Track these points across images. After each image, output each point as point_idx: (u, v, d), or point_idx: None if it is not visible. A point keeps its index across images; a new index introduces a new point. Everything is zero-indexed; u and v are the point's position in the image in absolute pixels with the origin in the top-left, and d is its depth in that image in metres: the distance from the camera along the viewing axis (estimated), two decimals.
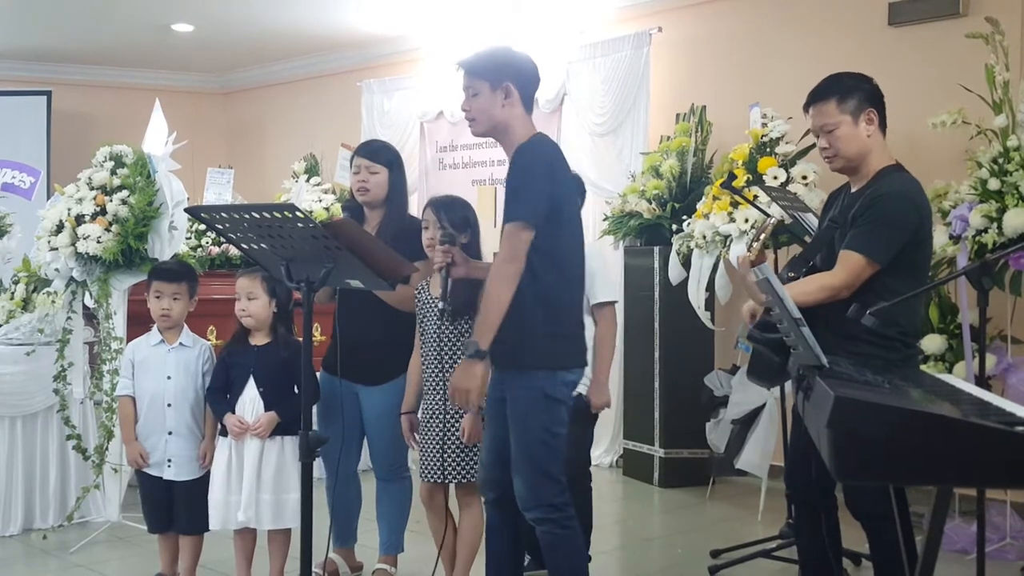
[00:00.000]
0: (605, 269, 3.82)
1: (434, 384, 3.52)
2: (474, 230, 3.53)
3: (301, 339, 3.60)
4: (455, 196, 3.70)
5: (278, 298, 3.61)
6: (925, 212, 3.07)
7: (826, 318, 2.92)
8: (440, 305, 3.28)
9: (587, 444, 4.01)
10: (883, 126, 3.12)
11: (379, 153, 3.87)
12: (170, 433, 3.66)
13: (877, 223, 2.98)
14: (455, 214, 3.52)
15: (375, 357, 3.76)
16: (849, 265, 2.99)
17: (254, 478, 3.54)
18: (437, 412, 3.53)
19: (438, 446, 3.52)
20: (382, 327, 3.73)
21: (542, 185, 2.95)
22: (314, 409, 3.66)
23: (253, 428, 3.52)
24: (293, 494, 3.51)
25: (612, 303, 3.87)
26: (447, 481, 3.55)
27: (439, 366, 3.49)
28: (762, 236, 3.08)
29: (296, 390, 3.53)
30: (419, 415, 3.67)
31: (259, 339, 3.65)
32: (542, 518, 3.05)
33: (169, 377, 3.68)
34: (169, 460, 3.66)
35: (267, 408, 3.55)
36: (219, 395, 3.64)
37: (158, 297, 3.71)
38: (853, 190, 3.16)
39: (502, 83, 3.04)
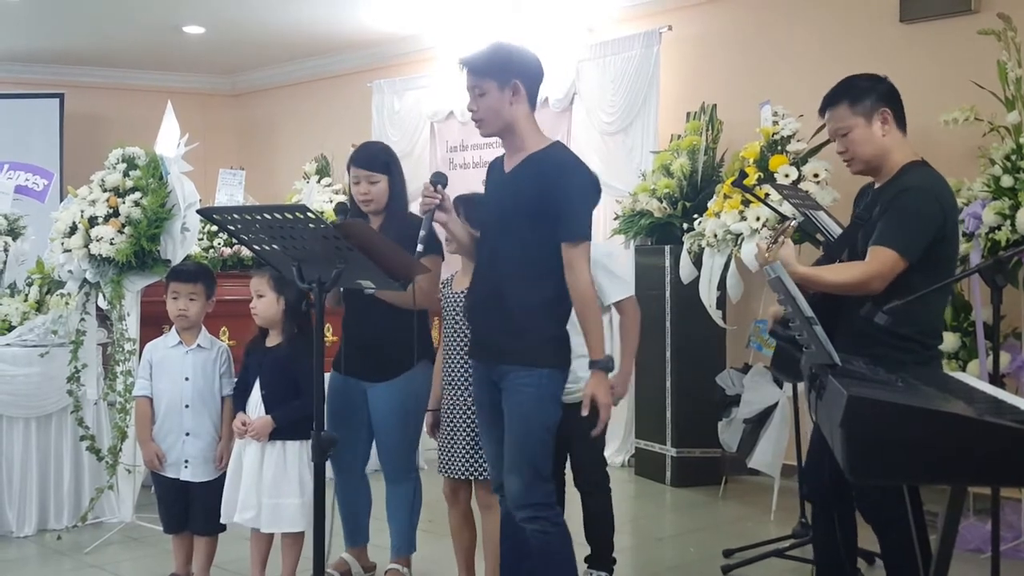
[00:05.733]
0: (607, 271, 3.76)
1: (459, 377, 3.50)
2: None
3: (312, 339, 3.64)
4: (480, 193, 3.67)
5: (286, 296, 3.58)
6: (949, 208, 3.01)
7: (847, 319, 2.88)
8: (420, 248, 3.16)
9: (602, 445, 3.99)
10: (901, 124, 3.07)
11: (376, 160, 3.81)
12: (187, 434, 3.67)
13: (903, 218, 2.93)
14: (477, 211, 3.47)
15: (381, 352, 3.74)
16: (880, 258, 2.92)
17: (254, 480, 3.53)
18: (461, 406, 3.53)
19: (467, 440, 3.51)
20: (387, 322, 3.70)
21: (592, 205, 3.07)
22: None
23: (249, 431, 3.52)
24: (291, 499, 3.51)
25: (627, 298, 3.82)
26: (475, 477, 3.52)
27: (464, 360, 3.46)
28: (781, 238, 3.05)
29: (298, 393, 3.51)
30: (440, 411, 3.66)
31: (274, 339, 3.65)
32: (535, 516, 3.03)
33: (187, 379, 3.69)
34: (186, 461, 3.67)
35: (268, 411, 3.54)
36: (239, 395, 3.65)
37: (175, 298, 3.72)
38: (877, 186, 3.13)
39: (510, 81, 3.00)
